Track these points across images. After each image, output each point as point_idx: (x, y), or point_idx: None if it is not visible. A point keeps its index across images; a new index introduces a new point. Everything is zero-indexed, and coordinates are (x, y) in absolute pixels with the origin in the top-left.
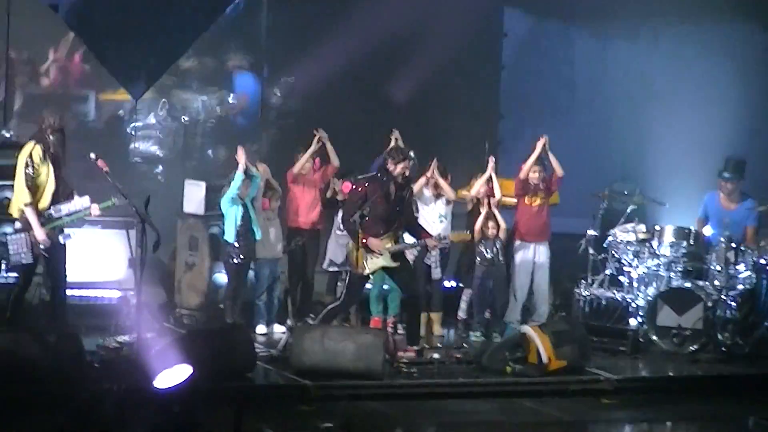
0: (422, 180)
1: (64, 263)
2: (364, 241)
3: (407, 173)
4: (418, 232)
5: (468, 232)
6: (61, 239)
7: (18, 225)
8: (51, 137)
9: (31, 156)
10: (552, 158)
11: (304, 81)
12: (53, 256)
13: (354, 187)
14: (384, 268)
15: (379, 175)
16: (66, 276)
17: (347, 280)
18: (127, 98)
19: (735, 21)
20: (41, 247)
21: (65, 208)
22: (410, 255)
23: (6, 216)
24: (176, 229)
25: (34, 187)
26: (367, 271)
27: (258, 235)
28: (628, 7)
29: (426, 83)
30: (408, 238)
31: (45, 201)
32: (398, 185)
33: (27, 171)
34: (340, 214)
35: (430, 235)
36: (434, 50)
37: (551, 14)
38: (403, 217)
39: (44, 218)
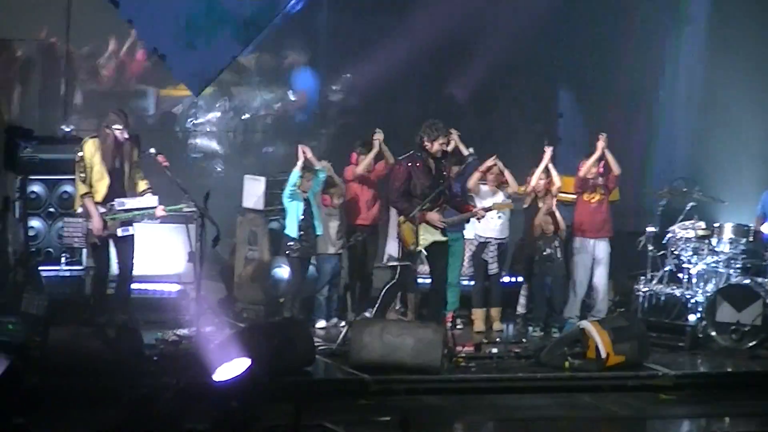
0: (477, 175)
1: (131, 257)
2: (422, 216)
3: (446, 147)
4: (461, 205)
5: (510, 201)
6: (119, 232)
7: (78, 210)
8: (108, 132)
9: (82, 149)
10: (609, 156)
11: (364, 78)
12: (118, 248)
13: (396, 167)
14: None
15: (416, 153)
16: (132, 269)
17: (403, 260)
18: (186, 94)
19: None
20: (96, 235)
21: (129, 203)
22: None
23: (67, 211)
24: (236, 224)
25: (88, 179)
26: (419, 247)
27: (319, 231)
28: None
29: (485, 80)
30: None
31: (99, 194)
32: (437, 160)
33: (79, 164)
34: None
35: (474, 206)
36: (494, 47)
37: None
38: (446, 191)
39: (106, 210)
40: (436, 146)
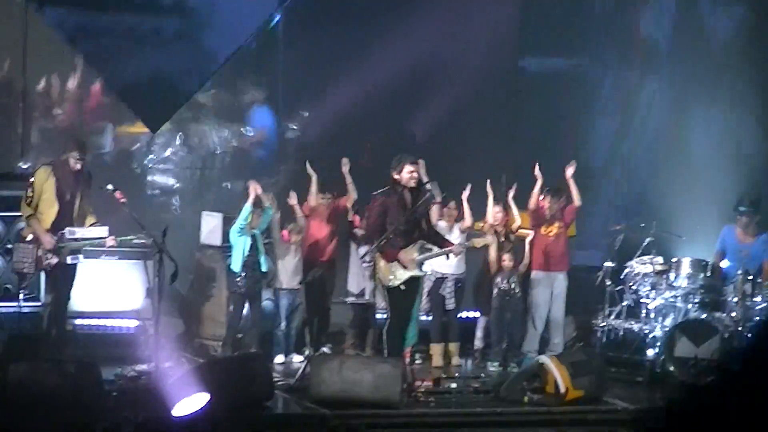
0: (436, 210)
1: (70, 285)
2: (395, 257)
3: (416, 175)
4: (439, 240)
5: (489, 237)
6: (69, 260)
7: (29, 237)
8: (65, 161)
9: (34, 175)
10: (573, 187)
11: (322, 114)
12: (60, 275)
13: (371, 204)
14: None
15: (390, 188)
16: (69, 298)
17: (388, 297)
18: (144, 131)
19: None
20: (47, 259)
21: (80, 232)
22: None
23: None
24: (194, 260)
25: (34, 203)
26: (397, 282)
27: (264, 267)
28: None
29: (446, 116)
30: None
31: (46, 222)
32: (412, 192)
33: (28, 188)
34: (359, 248)
35: (451, 243)
36: (455, 83)
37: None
38: (423, 225)
39: (57, 238)
40: (405, 176)
